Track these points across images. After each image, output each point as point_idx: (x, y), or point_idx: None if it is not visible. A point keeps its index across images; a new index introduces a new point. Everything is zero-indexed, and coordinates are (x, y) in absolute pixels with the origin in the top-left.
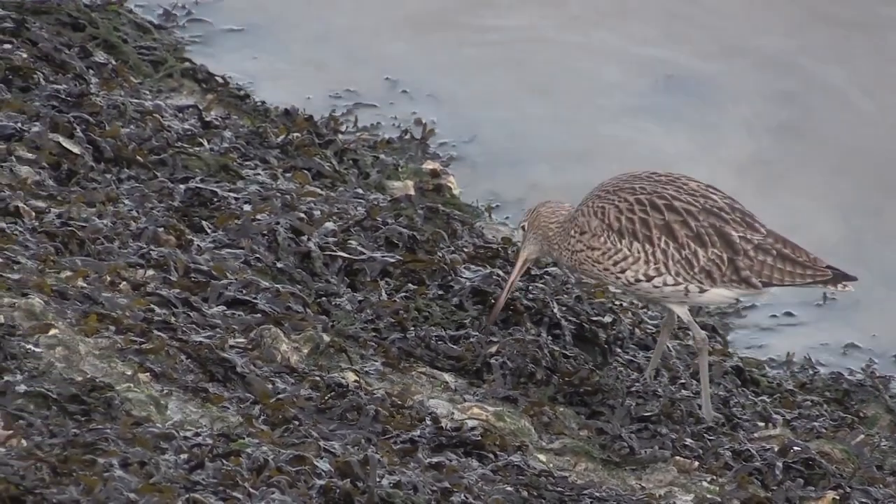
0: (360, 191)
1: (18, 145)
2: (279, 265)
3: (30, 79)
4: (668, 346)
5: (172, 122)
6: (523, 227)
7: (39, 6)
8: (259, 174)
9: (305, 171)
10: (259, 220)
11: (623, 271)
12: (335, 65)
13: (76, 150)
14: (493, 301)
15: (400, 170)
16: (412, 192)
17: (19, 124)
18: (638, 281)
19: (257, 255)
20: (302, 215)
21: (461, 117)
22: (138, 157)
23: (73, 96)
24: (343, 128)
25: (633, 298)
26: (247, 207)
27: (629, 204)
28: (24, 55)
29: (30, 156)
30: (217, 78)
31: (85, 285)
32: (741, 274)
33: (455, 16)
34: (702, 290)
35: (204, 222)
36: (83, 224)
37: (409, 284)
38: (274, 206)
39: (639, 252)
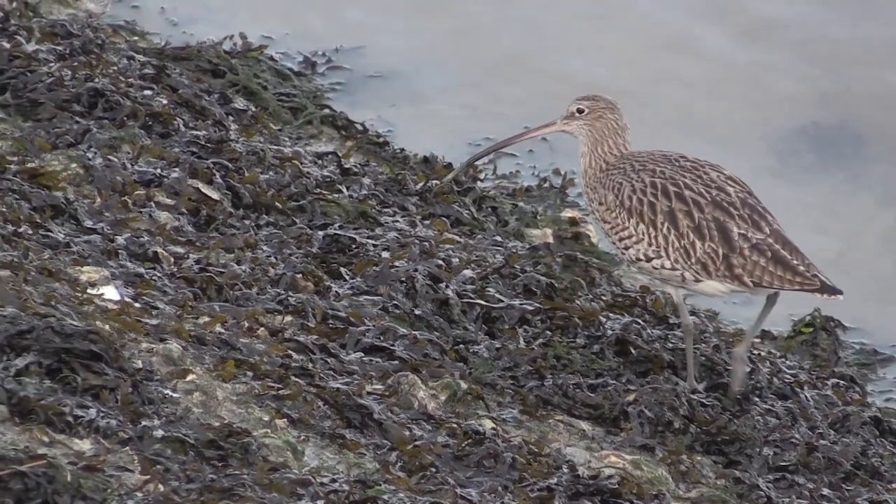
0: (498, 238)
1: (158, 191)
2: (417, 312)
3: (169, 125)
4: (806, 396)
5: (311, 168)
6: (580, 110)
7: (180, 53)
8: (398, 221)
9: (444, 219)
10: (397, 266)
11: (627, 248)
12: (475, 113)
13: (215, 195)
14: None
15: (538, 217)
16: (551, 240)
17: (159, 170)
18: (639, 260)
19: (395, 302)
20: (440, 262)
21: None
22: (277, 204)
23: (212, 142)
24: (482, 176)
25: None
26: (385, 254)
27: (644, 185)
28: (164, 101)
29: (169, 201)
30: (356, 125)
31: (223, 331)
32: (734, 271)
33: (594, 75)
34: (697, 280)
35: (342, 268)
36: (221, 270)
37: (547, 332)
38: (412, 253)
39: (643, 233)
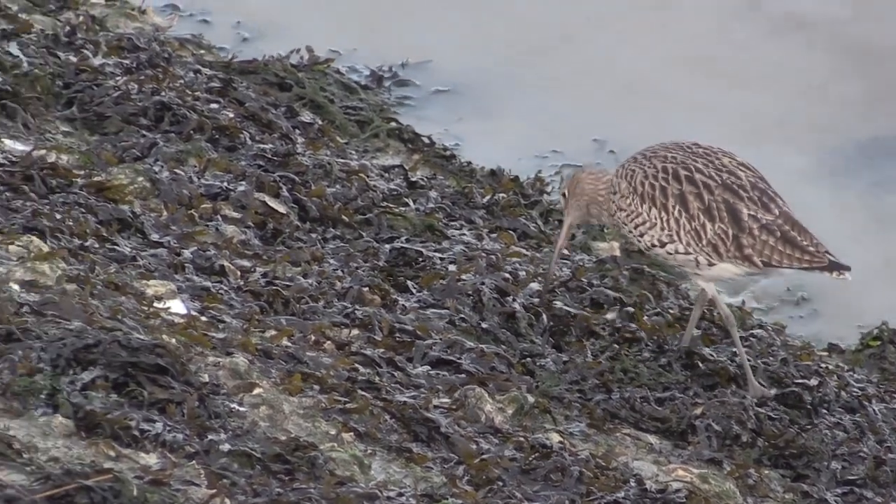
0: (565, 251)
1: (224, 204)
2: (484, 325)
3: (236, 138)
4: (874, 410)
5: (378, 181)
6: (564, 195)
7: (246, 66)
8: (464, 234)
9: (511, 232)
10: (464, 279)
11: (642, 235)
12: (541, 126)
13: (282, 209)
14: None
15: (605, 230)
16: (618, 253)
17: (225, 183)
18: (654, 246)
19: (462, 315)
20: (507, 275)
21: None
22: (344, 217)
23: (279, 156)
24: (549, 188)
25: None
26: (452, 267)
27: (655, 171)
28: (231, 115)
29: (235, 215)
30: (423, 138)
31: (289, 344)
32: (744, 251)
33: (659, 84)
34: (710, 263)
35: (409, 282)
36: (288, 283)
37: (615, 345)
38: (479, 266)
39: (655, 218)
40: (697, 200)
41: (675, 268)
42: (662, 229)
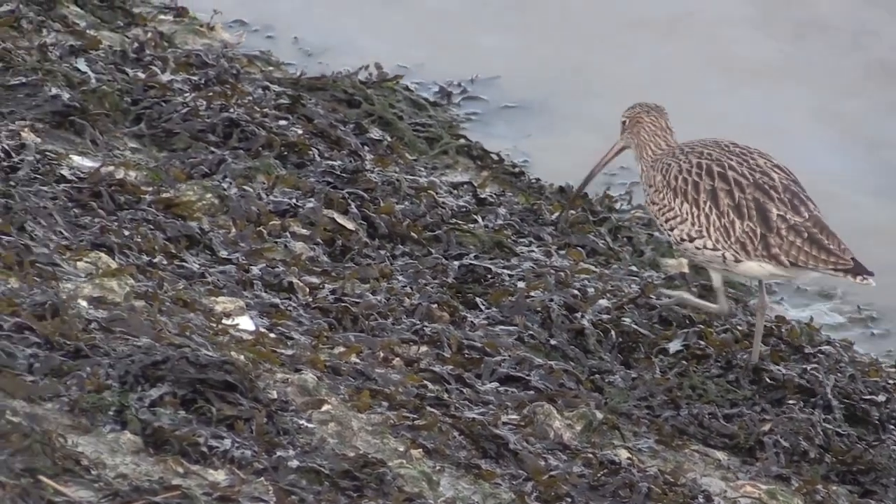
0: (634, 268)
1: (293, 221)
2: (552, 342)
3: (305, 155)
4: None
5: (447, 198)
6: (623, 122)
7: (315, 83)
8: (533, 251)
9: (580, 249)
10: (533, 296)
11: (672, 229)
12: (610, 142)
13: (350, 225)
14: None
15: (674, 248)
16: (686, 270)
17: (294, 200)
18: (683, 241)
19: (531, 332)
20: (576, 292)
21: None
22: (412, 234)
23: (347, 172)
24: (617, 205)
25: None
26: (521, 284)
27: (690, 166)
28: (300, 131)
29: (304, 231)
30: (492, 155)
31: (358, 361)
32: (771, 251)
33: (726, 94)
34: (737, 261)
35: (478, 298)
36: (357, 300)
37: (683, 361)
38: (548, 283)
39: (686, 213)
40: (728, 197)
41: (702, 263)
42: (693, 224)
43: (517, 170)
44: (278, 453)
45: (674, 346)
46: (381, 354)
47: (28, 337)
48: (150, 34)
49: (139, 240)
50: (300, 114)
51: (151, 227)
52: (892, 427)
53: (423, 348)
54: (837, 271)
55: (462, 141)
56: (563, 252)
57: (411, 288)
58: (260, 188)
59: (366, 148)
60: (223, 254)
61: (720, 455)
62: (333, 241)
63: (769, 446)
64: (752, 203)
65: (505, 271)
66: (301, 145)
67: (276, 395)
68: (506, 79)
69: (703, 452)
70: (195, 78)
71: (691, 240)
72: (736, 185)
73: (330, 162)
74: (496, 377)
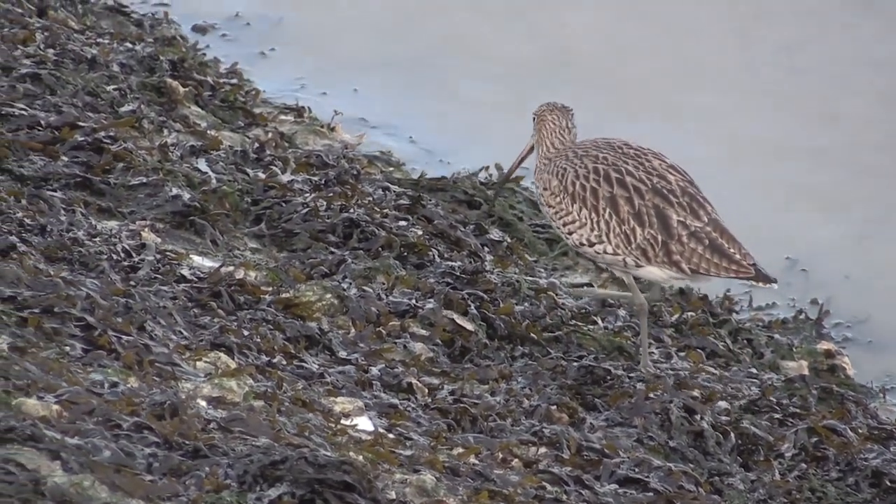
0: (753, 370)
1: (412, 321)
2: (671, 443)
3: (425, 255)
4: None
5: (566, 299)
6: (533, 119)
7: (435, 183)
8: (652, 352)
9: (699, 351)
10: (652, 398)
11: (570, 233)
12: None
13: (470, 326)
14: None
15: (794, 349)
16: (806, 372)
17: (413, 301)
18: (582, 245)
19: (650, 434)
20: (695, 394)
21: (857, 298)
22: (532, 334)
23: (467, 273)
24: (737, 307)
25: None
26: (640, 385)
27: (587, 171)
28: (420, 232)
29: (423, 332)
30: None
31: (477, 462)
32: (672, 258)
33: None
34: (638, 265)
35: (597, 400)
36: (476, 401)
37: (802, 464)
38: (667, 385)
39: (585, 218)
40: (628, 204)
41: (603, 265)
42: (592, 230)
43: None
44: None
45: (787, 448)
46: (500, 455)
47: (147, 436)
48: (270, 134)
49: (258, 340)
50: (420, 214)
51: (271, 327)
52: None
53: (542, 449)
54: (739, 278)
55: None
56: (682, 353)
57: (530, 389)
58: (379, 288)
59: (486, 249)
60: (342, 354)
61: None
62: (453, 341)
63: None
64: (652, 210)
65: (624, 373)
66: (421, 246)
67: (394, 496)
68: None
69: None
70: (315, 178)
71: (591, 244)
72: (635, 191)
73: (450, 263)
74: (615, 479)
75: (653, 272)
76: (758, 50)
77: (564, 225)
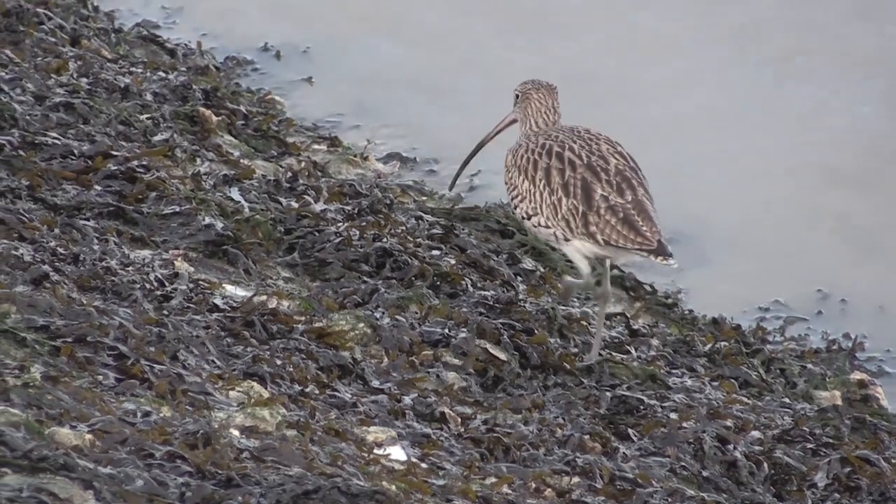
0: (786, 400)
1: (445, 351)
2: (704, 473)
3: (457, 285)
4: None
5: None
6: (517, 95)
7: (468, 213)
8: (685, 382)
9: (732, 380)
10: (685, 427)
11: (516, 207)
12: (764, 275)
13: (503, 356)
14: None
15: (827, 380)
16: (839, 402)
17: (446, 330)
18: (524, 218)
19: (683, 463)
20: (728, 424)
21: (890, 330)
22: (565, 364)
23: (500, 303)
24: (770, 338)
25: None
26: (673, 415)
27: (535, 146)
28: (452, 261)
29: (456, 362)
30: (645, 286)
31: (510, 491)
32: (589, 229)
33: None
34: (566, 239)
35: (630, 430)
36: (509, 430)
37: (835, 494)
38: (700, 415)
39: (525, 191)
40: (559, 175)
41: (547, 243)
42: (530, 202)
43: (670, 301)
44: None
45: (819, 478)
46: (533, 485)
47: (180, 465)
48: (303, 163)
49: (291, 369)
50: (453, 244)
51: (304, 356)
52: None
53: (575, 479)
54: (642, 251)
55: (615, 272)
56: (715, 383)
57: (563, 419)
58: (412, 318)
59: (518, 278)
60: (375, 383)
61: None
62: (486, 371)
63: None
64: (579, 182)
65: (657, 402)
66: (454, 275)
67: None
68: (659, 211)
69: None
70: (348, 207)
71: (528, 217)
72: (569, 164)
73: (482, 292)
74: None
75: (577, 246)
76: (797, 83)
77: (513, 199)
